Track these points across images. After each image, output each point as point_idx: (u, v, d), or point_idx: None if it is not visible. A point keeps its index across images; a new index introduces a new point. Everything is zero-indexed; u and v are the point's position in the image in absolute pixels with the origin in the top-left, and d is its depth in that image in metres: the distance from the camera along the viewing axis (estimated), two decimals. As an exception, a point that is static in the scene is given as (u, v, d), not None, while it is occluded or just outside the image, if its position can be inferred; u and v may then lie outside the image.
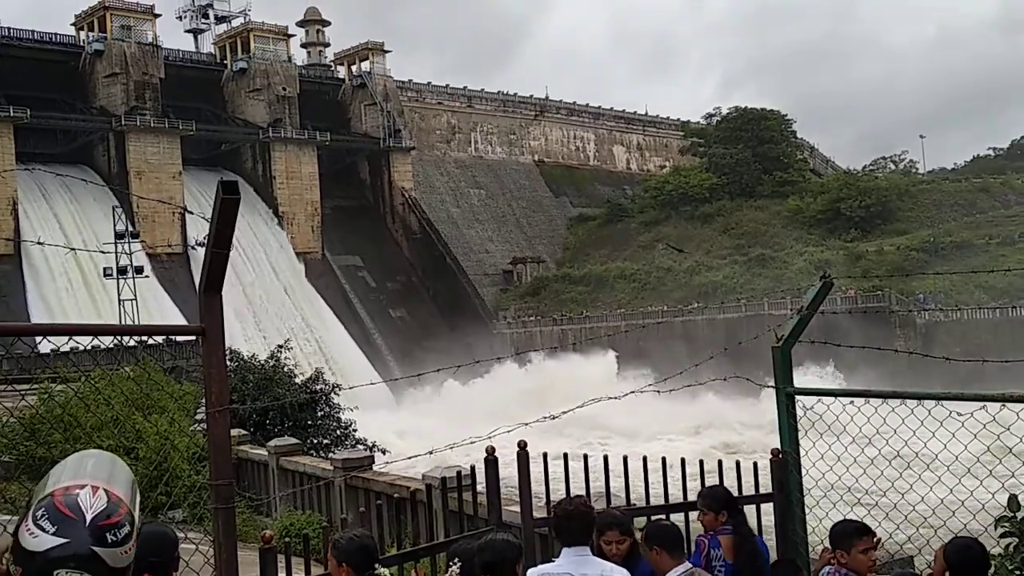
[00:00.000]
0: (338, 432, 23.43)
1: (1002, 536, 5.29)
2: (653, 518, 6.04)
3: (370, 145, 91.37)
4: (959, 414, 5.25)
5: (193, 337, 5.03)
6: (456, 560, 5.33)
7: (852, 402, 5.92)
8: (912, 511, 5.76)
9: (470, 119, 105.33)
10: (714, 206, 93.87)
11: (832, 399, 6.01)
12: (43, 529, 2.31)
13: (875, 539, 5.30)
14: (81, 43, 79.21)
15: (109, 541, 2.33)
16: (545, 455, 6.99)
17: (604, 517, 5.55)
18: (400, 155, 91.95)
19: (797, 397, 6.44)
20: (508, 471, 6.70)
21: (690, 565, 5.22)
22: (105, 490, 2.41)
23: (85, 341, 4.93)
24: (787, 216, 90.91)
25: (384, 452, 22.18)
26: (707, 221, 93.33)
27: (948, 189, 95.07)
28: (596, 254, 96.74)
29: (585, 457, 6.97)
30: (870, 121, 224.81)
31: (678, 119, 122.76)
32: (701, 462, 6.98)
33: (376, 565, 4.82)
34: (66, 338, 4.92)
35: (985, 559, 4.79)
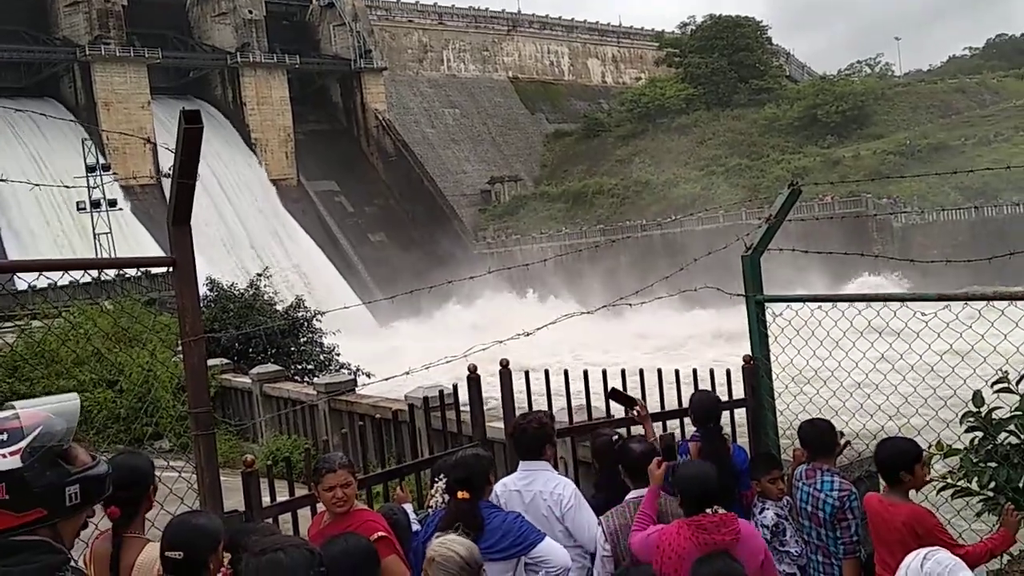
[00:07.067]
0: (321, 357, 23.50)
1: (967, 431, 5.43)
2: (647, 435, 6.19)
3: (341, 67, 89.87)
4: (923, 314, 5.34)
5: (166, 269, 5.05)
6: (441, 476, 5.45)
7: (820, 307, 6.01)
8: (878, 411, 5.91)
9: (442, 36, 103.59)
10: (691, 117, 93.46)
11: (800, 304, 6.09)
12: None
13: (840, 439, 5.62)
14: (39, -28, 77.07)
15: None
16: (527, 372, 7.08)
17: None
18: (372, 76, 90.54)
19: (767, 304, 6.54)
20: (487, 389, 6.81)
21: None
22: (18, 412, 2.58)
23: (62, 278, 4.95)
24: (764, 124, 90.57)
25: (369, 375, 22.27)
26: (684, 132, 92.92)
27: (924, 91, 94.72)
28: (574, 170, 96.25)
29: (566, 373, 7.05)
30: (847, 23, 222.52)
31: (652, 30, 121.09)
32: (677, 372, 7.13)
33: None
34: (40, 275, 4.91)
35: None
